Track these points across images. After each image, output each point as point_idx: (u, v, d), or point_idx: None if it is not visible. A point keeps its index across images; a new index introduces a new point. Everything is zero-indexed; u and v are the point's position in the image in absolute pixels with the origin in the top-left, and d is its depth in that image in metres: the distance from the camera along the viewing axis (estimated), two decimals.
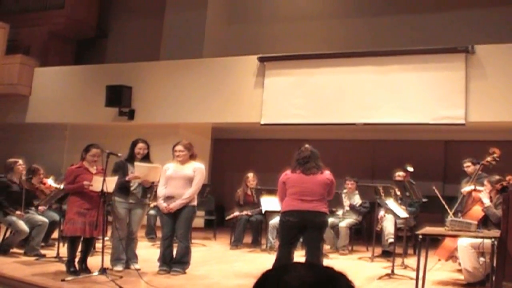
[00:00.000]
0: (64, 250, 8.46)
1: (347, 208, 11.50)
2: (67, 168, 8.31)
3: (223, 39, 16.78)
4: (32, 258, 8.81)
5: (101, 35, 19.08)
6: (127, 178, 8.10)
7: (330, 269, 1.65)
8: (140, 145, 8.40)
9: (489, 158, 9.33)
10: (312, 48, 14.49)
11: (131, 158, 8.35)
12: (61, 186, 9.39)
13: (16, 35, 17.65)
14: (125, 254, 8.17)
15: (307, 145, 7.42)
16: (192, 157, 8.34)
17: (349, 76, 13.15)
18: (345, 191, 11.68)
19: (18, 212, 9.19)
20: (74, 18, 18.19)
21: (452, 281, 8.24)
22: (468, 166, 9.75)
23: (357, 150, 15.42)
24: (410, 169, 9.67)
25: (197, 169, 8.26)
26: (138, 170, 8.09)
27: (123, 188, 8.09)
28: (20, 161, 9.75)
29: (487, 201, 8.04)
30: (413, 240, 10.58)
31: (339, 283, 1.61)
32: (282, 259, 6.99)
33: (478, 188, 8.60)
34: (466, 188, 9.18)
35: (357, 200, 11.62)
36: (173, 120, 14.87)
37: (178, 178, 8.15)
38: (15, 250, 9.24)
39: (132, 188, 8.22)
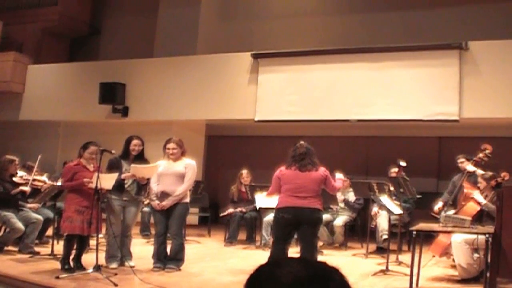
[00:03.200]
0: (58, 248, 8.46)
1: (341, 204, 11.51)
2: (65, 165, 8.29)
3: (216, 36, 16.75)
4: (27, 256, 8.80)
5: (94, 32, 19.02)
6: (122, 177, 8.08)
7: (323, 264, 1.66)
8: (135, 141, 8.38)
9: (481, 155, 9.36)
10: (306, 45, 14.48)
11: (126, 155, 8.34)
12: (59, 183, 9.37)
13: (9, 32, 17.58)
14: (120, 252, 8.17)
15: (302, 142, 7.45)
16: (182, 153, 8.34)
17: (343, 72, 13.14)
18: None
19: (31, 205, 9.30)
20: (67, 15, 18.12)
21: (446, 277, 8.26)
22: (462, 162, 9.77)
23: (351, 146, 15.43)
24: (403, 163, 9.66)
25: (188, 166, 8.26)
26: (135, 171, 8.06)
27: (117, 186, 8.07)
28: (17, 161, 9.73)
29: (481, 200, 8.08)
30: (407, 236, 10.59)
31: (331, 277, 1.61)
32: (276, 255, 6.99)
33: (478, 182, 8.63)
34: (471, 167, 9.26)
35: (351, 197, 11.61)
36: (167, 117, 14.85)
37: (170, 175, 8.15)
38: (9, 247, 9.23)
39: (126, 186, 8.21)
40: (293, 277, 1.57)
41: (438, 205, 9.68)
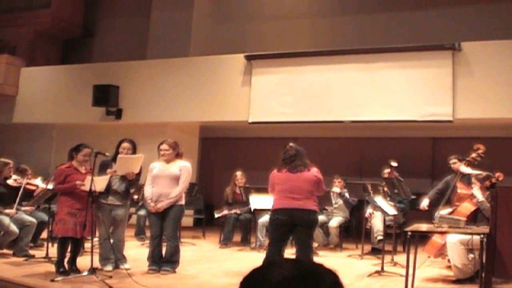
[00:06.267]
0: (53, 251, 8.43)
1: (335, 205, 11.50)
2: (57, 168, 8.26)
3: (210, 38, 16.76)
4: (21, 259, 8.77)
5: (87, 34, 18.99)
6: (107, 172, 8.00)
7: (315, 265, 1.65)
8: (124, 145, 8.31)
9: (473, 155, 9.36)
10: (299, 46, 14.50)
11: (116, 157, 8.30)
12: (50, 186, 9.33)
13: (2, 35, 17.57)
14: (113, 254, 8.13)
15: (291, 144, 7.45)
16: (178, 156, 8.32)
17: (336, 74, 13.17)
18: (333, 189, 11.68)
19: (8, 211, 9.15)
20: (60, 18, 18.09)
21: (441, 278, 8.27)
22: (454, 163, 9.78)
23: (345, 148, 15.44)
24: (394, 164, 9.66)
25: (183, 168, 8.23)
26: (120, 162, 8.00)
27: (105, 188, 8.00)
28: (11, 164, 9.71)
29: (480, 196, 8.09)
30: (402, 237, 10.60)
31: (322, 278, 1.61)
32: (272, 257, 6.98)
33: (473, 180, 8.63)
34: (465, 169, 9.27)
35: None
36: (161, 119, 14.85)
37: (164, 177, 8.13)
38: (4, 251, 9.19)
39: (114, 187, 8.12)
40: (283, 276, 1.57)
41: (425, 202, 9.69)
